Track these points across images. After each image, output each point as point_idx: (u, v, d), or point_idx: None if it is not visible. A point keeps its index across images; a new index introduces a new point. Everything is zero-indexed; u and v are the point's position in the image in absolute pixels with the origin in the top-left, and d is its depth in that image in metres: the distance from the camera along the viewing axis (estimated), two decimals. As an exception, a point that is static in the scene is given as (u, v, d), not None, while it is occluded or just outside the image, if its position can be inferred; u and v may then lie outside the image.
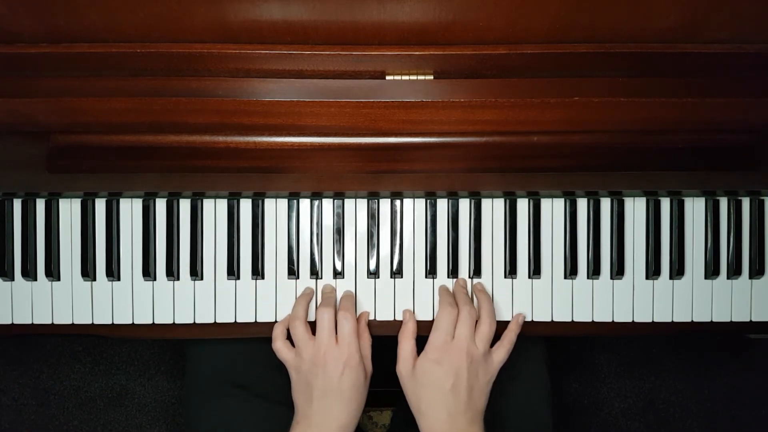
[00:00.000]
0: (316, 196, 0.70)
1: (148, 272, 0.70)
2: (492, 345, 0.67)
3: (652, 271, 0.71)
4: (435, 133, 0.65)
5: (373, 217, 0.71)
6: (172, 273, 0.70)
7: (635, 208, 0.72)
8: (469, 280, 0.71)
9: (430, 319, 0.70)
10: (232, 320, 0.71)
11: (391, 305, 0.71)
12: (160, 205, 0.71)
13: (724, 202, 0.72)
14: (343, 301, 0.69)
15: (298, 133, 0.65)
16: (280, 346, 0.67)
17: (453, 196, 0.71)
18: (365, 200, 0.71)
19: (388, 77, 0.63)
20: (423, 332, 0.68)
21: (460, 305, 0.66)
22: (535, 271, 0.71)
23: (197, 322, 0.70)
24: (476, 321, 0.66)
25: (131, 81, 0.62)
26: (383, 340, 0.70)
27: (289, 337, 0.67)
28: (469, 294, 0.71)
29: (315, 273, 0.71)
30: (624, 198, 0.71)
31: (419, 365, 0.64)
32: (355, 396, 0.64)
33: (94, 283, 0.70)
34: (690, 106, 0.64)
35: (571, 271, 0.71)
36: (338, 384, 0.63)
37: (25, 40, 0.59)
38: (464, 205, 0.71)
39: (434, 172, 0.67)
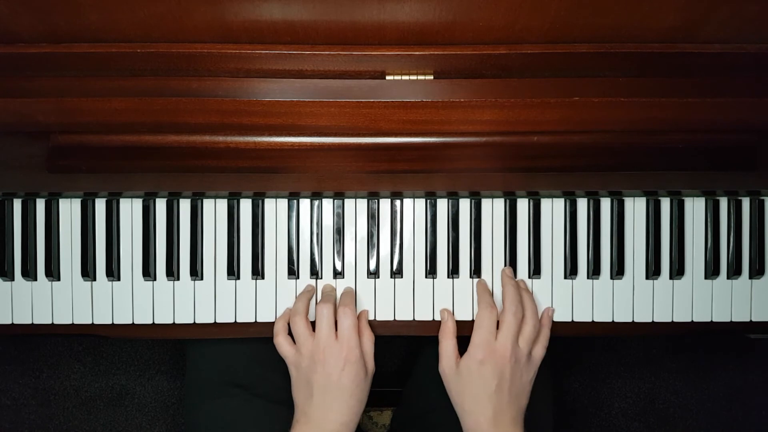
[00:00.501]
0: (316, 196, 0.70)
1: (148, 272, 0.70)
2: None
3: (652, 271, 0.71)
4: (435, 133, 0.65)
5: (373, 217, 0.71)
6: (172, 273, 0.70)
7: (635, 208, 0.72)
8: (472, 279, 0.71)
9: (430, 319, 0.70)
10: (232, 320, 0.71)
11: (391, 305, 0.71)
12: (160, 205, 0.71)
13: (724, 202, 0.72)
14: (343, 297, 0.69)
15: (298, 133, 0.65)
16: (281, 341, 0.67)
17: (453, 196, 0.71)
18: (365, 200, 0.71)
19: (388, 77, 0.63)
20: (425, 332, 0.69)
21: (507, 305, 0.66)
22: (535, 271, 0.71)
23: (197, 322, 0.70)
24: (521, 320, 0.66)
25: (131, 81, 0.62)
26: (383, 340, 0.70)
27: (290, 333, 0.67)
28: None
29: (315, 273, 0.71)
30: (624, 198, 0.71)
31: (464, 365, 0.64)
32: (356, 392, 0.64)
33: (94, 283, 0.70)
34: (690, 106, 0.64)
35: (571, 271, 0.71)
36: (338, 380, 0.63)
37: (25, 40, 0.59)
38: (464, 205, 0.71)
39: (434, 172, 0.67)
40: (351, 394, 0.63)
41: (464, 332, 0.67)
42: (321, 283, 0.71)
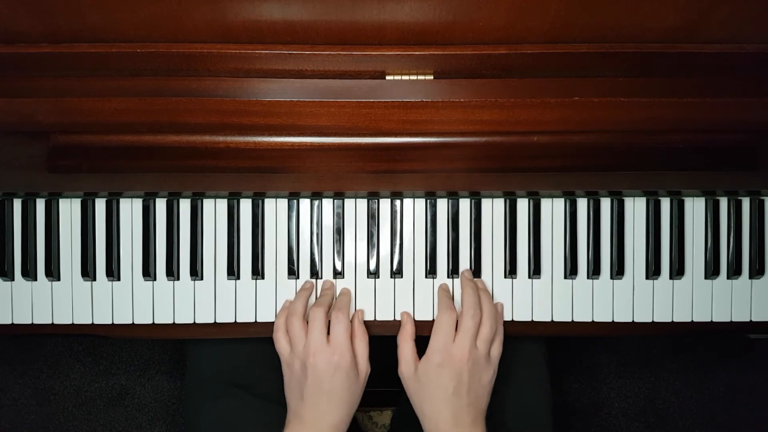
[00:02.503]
0: (316, 196, 0.70)
1: (148, 272, 0.70)
2: None
3: (652, 271, 0.71)
4: (435, 133, 0.65)
5: (373, 217, 0.71)
6: (172, 273, 0.70)
7: (635, 208, 0.72)
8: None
9: (431, 319, 0.70)
10: (232, 320, 0.71)
11: (391, 305, 0.71)
12: (160, 205, 0.71)
13: (724, 202, 0.72)
14: (338, 301, 0.68)
15: (298, 133, 0.65)
16: (280, 337, 0.66)
17: (453, 196, 0.71)
18: (365, 200, 0.71)
19: (388, 77, 0.63)
20: (423, 332, 0.68)
21: (465, 308, 0.65)
22: (535, 271, 0.71)
23: (197, 322, 0.70)
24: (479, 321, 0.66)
25: (131, 81, 0.62)
26: (383, 340, 0.70)
27: None
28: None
29: (315, 273, 0.71)
30: (624, 198, 0.71)
31: (421, 369, 0.64)
32: (346, 396, 0.63)
33: (94, 283, 0.70)
34: (690, 106, 0.64)
35: (571, 271, 0.71)
36: (329, 385, 0.62)
37: (25, 40, 0.59)
38: (464, 205, 0.71)
39: (434, 172, 0.67)
40: (341, 398, 0.63)
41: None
42: (321, 284, 0.71)
